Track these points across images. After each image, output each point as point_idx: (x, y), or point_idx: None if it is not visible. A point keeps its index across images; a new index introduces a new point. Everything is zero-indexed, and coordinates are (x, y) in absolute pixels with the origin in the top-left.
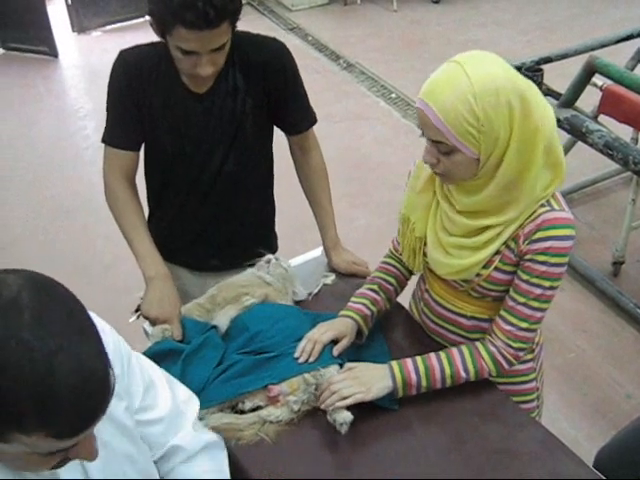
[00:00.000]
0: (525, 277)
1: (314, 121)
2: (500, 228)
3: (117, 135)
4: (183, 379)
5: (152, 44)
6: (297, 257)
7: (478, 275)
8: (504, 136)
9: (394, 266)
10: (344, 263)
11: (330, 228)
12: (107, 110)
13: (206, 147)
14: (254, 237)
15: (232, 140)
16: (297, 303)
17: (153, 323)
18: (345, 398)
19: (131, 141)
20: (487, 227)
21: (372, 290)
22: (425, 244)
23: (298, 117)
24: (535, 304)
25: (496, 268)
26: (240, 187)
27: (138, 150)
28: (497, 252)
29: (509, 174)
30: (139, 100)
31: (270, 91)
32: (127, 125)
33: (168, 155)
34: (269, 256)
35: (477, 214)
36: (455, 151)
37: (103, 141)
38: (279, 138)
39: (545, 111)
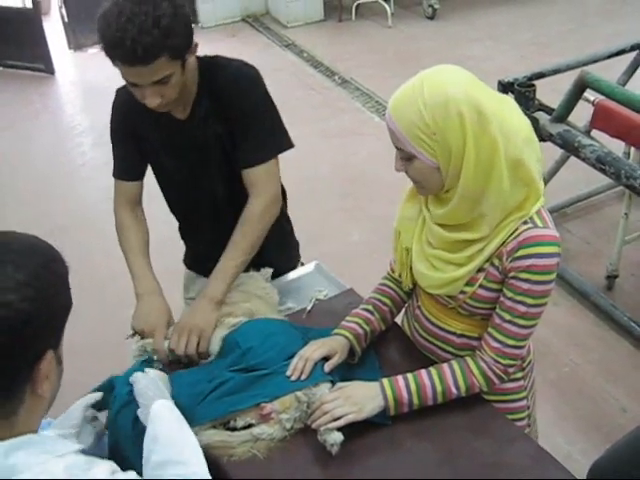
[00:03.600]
0: (509, 294)
1: (265, 159)
2: (482, 244)
3: (119, 168)
4: (174, 395)
5: None
6: (290, 272)
7: (463, 292)
8: (457, 146)
9: (390, 287)
10: (182, 321)
11: (214, 278)
12: (112, 147)
13: (198, 171)
14: (275, 250)
15: (219, 165)
16: (289, 318)
17: (142, 336)
18: (337, 418)
19: (133, 173)
20: (469, 243)
21: (366, 310)
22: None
23: (248, 149)
24: (521, 322)
25: (481, 286)
26: (234, 210)
27: (141, 179)
28: (481, 269)
29: (470, 186)
30: (137, 133)
31: (231, 116)
32: (127, 158)
33: (167, 175)
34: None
35: (452, 227)
36: (413, 158)
37: (113, 175)
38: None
39: (512, 126)
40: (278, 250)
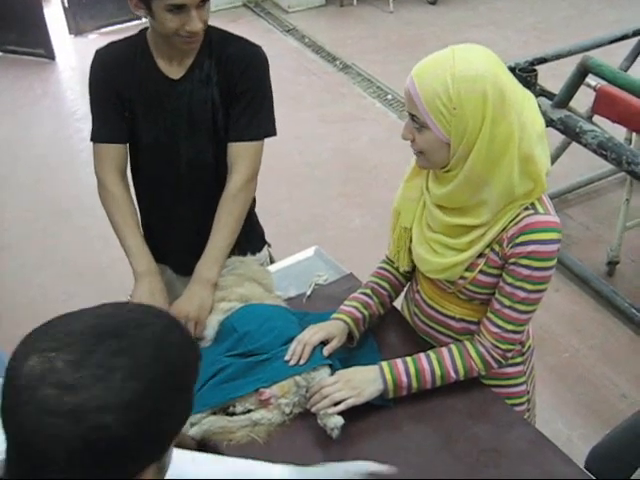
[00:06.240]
0: (509, 280)
1: (257, 137)
2: (482, 230)
3: (104, 130)
4: None
5: (126, 38)
6: (290, 257)
7: (463, 278)
8: (474, 125)
9: (389, 271)
10: (179, 307)
11: (206, 260)
12: (91, 110)
13: (180, 136)
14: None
15: (207, 132)
16: (289, 302)
17: None
18: (337, 403)
19: (117, 133)
20: (469, 228)
21: (365, 294)
22: (411, 240)
23: (244, 124)
24: (521, 307)
25: (481, 271)
26: (216, 181)
27: (126, 142)
28: (482, 255)
29: (476, 170)
30: (120, 93)
31: (234, 88)
32: (112, 118)
33: (144, 146)
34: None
35: (452, 211)
36: (426, 128)
37: (91, 140)
38: (271, 140)
39: (529, 120)
40: (245, 236)
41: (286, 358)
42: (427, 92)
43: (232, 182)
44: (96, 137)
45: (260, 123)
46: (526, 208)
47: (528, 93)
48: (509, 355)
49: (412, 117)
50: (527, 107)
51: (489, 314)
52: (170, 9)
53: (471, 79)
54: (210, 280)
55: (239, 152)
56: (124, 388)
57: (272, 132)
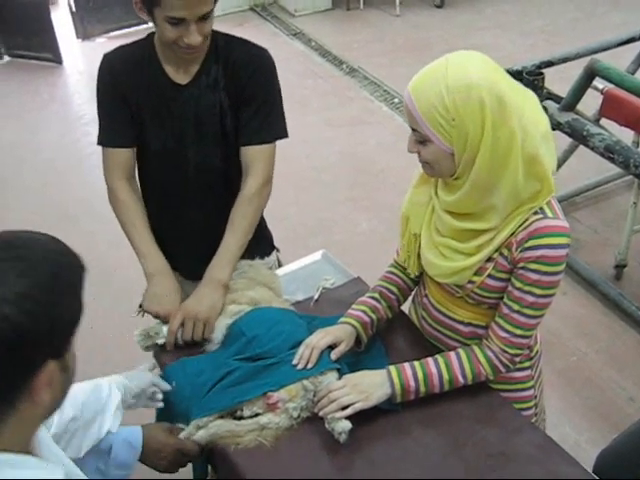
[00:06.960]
0: (518, 285)
1: (269, 140)
2: (491, 234)
3: (111, 135)
4: (180, 386)
5: (134, 42)
6: (297, 261)
7: (472, 282)
8: (475, 133)
9: (397, 275)
10: (189, 307)
11: (218, 261)
12: (98, 114)
13: (188, 141)
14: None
15: (214, 136)
16: (296, 306)
17: (155, 318)
18: (344, 407)
19: (124, 138)
20: (478, 232)
21: (373, 298)
22: (420, 245)
23: (255, 127)
24: (529, 312)
25: (490, 275)
26: (224, 185)
27: (133, 146)
28: (490, 259)
29: (483, 175)
30: (127, 97)
31: (242, 92)
32: (119, 123)
33: (151, 151)
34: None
35: (462, 216)
36: (428, 141)
37: (99, 144)
38: (278, 144)
39: (532, 121)
40: (254, 240)
41: (294, 362)
42: (424, 105)
43: (248, 186)
44: (104, 142)
45: (271, 126)
46: (535, 212)
47: (529, 93)
48: (517, 360)
49: (414, 131)
50: (528, 108)
51: (497, 319)
52: (169, 21)
53: (465, 88)
54: (221, 281)
55: (254, 155)
56: (17, 283)
57: (284, 134)
